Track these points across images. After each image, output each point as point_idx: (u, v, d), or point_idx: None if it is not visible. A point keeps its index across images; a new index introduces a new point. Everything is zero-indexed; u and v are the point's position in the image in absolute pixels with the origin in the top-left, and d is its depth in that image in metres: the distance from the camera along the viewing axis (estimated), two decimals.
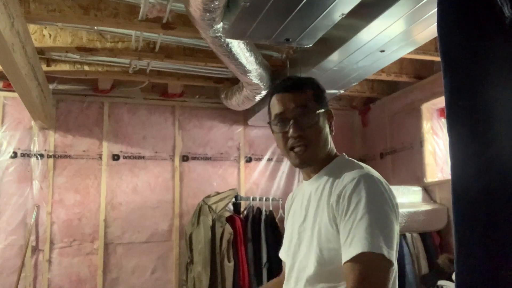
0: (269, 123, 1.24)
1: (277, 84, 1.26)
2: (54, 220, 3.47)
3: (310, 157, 1.17)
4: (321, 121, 1.18)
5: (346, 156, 1.23)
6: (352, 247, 0.98)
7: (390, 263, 0.97)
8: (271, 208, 3.60)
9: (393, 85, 3.85)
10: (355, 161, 1.19)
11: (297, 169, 4.06)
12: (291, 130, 1.15)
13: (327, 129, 1.20)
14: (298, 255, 1.17)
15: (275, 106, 1.20)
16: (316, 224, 1.12)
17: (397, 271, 1.03)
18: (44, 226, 3.44)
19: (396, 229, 1.03)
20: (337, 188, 1.09)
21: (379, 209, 1.02)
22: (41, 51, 2.90)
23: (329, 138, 1.21)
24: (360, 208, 1.01)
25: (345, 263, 0.99)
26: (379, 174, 1.12)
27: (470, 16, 0.63)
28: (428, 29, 2.04)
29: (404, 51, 2.38)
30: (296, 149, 1.16)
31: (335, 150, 1.23)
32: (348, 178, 1.08)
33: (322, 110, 1.19)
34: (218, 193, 3.50)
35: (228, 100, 3.56)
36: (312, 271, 1.09)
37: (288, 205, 1.37)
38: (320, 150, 1.18)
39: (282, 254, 1.37)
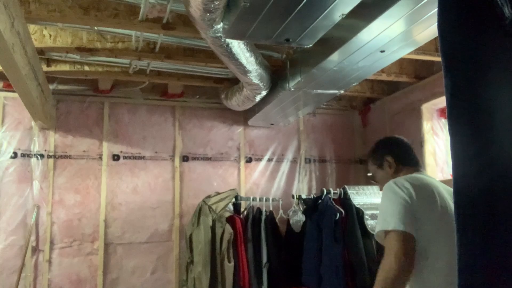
0: None
1: None
2: (54, 220, 3.47)
3: None
4: (380, 175, 1.90)
5: (416, 172, 1.78)
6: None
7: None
8: (271, 209, 3.59)
9: (393, 85, 3.85)
10: (407, 175, 1.74)
11: (298, 170, 4.11)
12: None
13: (386, 174, 1.87)
14: None
15: None
16: None
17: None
18: (44, 226, 3.44)
19: (403, 203, 1.55)
20: None
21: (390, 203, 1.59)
22: (41, 51, 2.90)
23: (391, 175, 1.81)
24: (382, 204, 1.65)
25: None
26: (399, 180, 1.64)
27: (470, 17, 0.63)
28: (428, 29, 2.04)
29: (404, 51, 2.38)
30: None
31: (406, 174, 1.75)
32: None
33: (380, 167, 1.91)
34: (218, 193, 3.49)
35: (228, 101, 3.56)
36: None
37: None
38: None
39: None
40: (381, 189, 1.85)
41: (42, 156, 3.52)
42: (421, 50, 2.62)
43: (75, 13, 2.34)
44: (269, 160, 4.09)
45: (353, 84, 2.94)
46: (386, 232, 1.52)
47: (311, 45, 2.19)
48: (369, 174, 1.99)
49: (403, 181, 1.62)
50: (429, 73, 3.43)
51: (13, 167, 3.44)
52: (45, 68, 3.07)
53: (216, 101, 3.92)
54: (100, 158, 3.65)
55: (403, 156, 1.89)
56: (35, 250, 3.41)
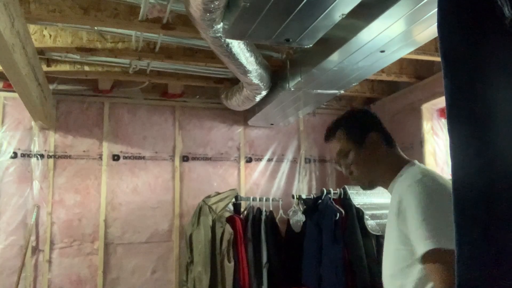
0: None
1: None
2: (54, 220, 3.47)
3: (366, 185, 1.43)
4: (359, 154, 1.40)
5: (414, 164, 1.37)
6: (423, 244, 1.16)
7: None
8: (271, 209, 3.59)
9: (393, 85, 3.85)
10: (417, 167, 1.35)
11: (298, 170, 4.11)
12: (343, 171, 1.45)
13: (368, 155, 1.39)
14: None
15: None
16: (386, 235, 1.33)
17: None
18: (44, 227, 3.44)
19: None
20: (399, 197, 1.26)
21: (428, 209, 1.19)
22: (41, 52, 2.90)
23: (374, 161, 1.39)
24: (417, 211, 1.20)
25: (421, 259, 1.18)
26: (430, 176, 1.28)
27: (470, 17, 0.63)
28: (428, 30, 2.04)
29: (404, 52, 2.37)
30: (353, 182, 1.45)
31: (395, 163, 1.39)
32: (406, 185, 1.26)
33: (357, 144, 1.40)
34: (218, 193, 3.50)
35: (228, 101, 3.56)
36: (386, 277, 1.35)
37: None
38: (369, 175, 1.40)
39: None
40: (355, 179, 1.43)
41: (42, 156, 3.52)
42: (421, 50, 2.62)
43: (75, 13, 2.34)
44: (269, 160, 4.09)
45: (353, 84, 2.94)
46: (442, 251, 1.11)
47: (311, 45, 2.19)
48: (338, 150, 1.44)
49: (439, 178, 1.27)
50: (429, 73, 3.43)
51: (13, 167, 3.44)
52: (45, 68, 3.07)
53: (216, 101, 3.92)
54: (100, 158, 3.65)
55: (388, 135, 1.47)
56: (35, 250, 3.41)
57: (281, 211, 3.63)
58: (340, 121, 1.47)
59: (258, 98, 3.19)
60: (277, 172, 4.09)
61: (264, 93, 3.10)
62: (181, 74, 3.45)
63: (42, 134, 3.55)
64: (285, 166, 4.12)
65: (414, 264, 1.19)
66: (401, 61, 3.28)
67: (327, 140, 1.49)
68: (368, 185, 1.43)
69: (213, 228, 3.25)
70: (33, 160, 3.50)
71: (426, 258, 1.14)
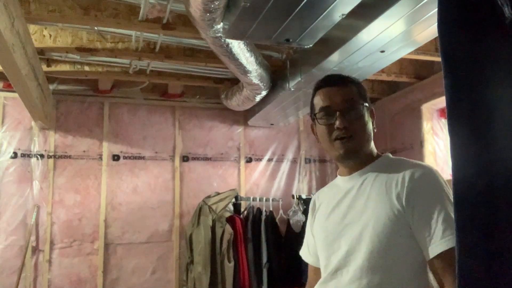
0: (314, 115, 1.27)
1: (321, 80, 1.30)
2: (54, 220, 3.47)
3: (355, 148, 1.20)
4: (366, 116, 1.22)
5: (391, 155, 1.27)
6: (443, 241, 1.01)
7: None
8: (271, 209, 3.59)
9: (393, 85, 3.85)
10: (405, 158, 1.25)
11: (298, 170, 4.11)
12: (337, 122, 1.19)
13: (371, 125, 1.24)
14: (343, 249, 1.17)
15: (321, 100, 1.25)
16: (367, 216, 1.13)
17: None
18: (44, 227, 3.44)
19: None
20: (404, 180, 1.11)
21: (449, 201, 1.07)
22: (41, 52, 2.90)
23: (372, 135, 1.24)
24: (440, 200, 1.05)
25: (437, 256, 1.02)
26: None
27: (470, 17, 0.63)
28: (429, 29, 2.04)
29: (404, 52, 2.38)
30: (342, 140, 1.19)
31: (376, 150, 1.27)
32: (418, 171, 1.12)
33: (367, 105, 1.23)
34: (218, 194, 3.50)
35: (228, 101, 3.56)
36: (364, 263, 1.11)
37: (315, 203, 1.37)
38: (365, 143, 1.21)
39: (311, 255, 1.36)
40: (350, 136, 1.19)
41: (42, 156, 3.52)
42: (421, 50, 2.62)
43: (75, 13, 2.34)
44: (269, 160, 4.09)
45: None
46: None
47: (311, 45, 2.20)
48: (351, 98, 1.22)
49: None
50: (429, 73, 3.43)
51: (13, 167, 3.44)
52: (45, 68, 3.06)
53: (216, 101, 3.92)
54: (100, 158, 3.65)
55: None
56: (35, 250, 3.41)
57: (281, 211, 3.63)
58: (352, 79, 1.29)
59: (258, 98, 3.19)
60: (277, 172, 4.09)
61: (264, 93, 3.10)
62: (181, 74, 3.45)
63: (42, 134, 3.55)
64: (285, 166, 4.12)
65: (415, 262, 1.08)
66: (401, 61, 3.28)
67: (342, 82, 1.26)
68: (356, 149, 1.21)
69: (213, 228, 3.25)
70: (33, 160, 3.49)
71: (445, 256, 1.00)
